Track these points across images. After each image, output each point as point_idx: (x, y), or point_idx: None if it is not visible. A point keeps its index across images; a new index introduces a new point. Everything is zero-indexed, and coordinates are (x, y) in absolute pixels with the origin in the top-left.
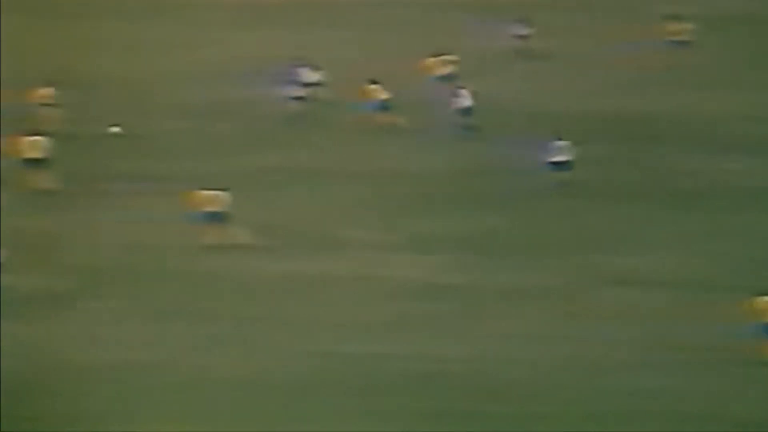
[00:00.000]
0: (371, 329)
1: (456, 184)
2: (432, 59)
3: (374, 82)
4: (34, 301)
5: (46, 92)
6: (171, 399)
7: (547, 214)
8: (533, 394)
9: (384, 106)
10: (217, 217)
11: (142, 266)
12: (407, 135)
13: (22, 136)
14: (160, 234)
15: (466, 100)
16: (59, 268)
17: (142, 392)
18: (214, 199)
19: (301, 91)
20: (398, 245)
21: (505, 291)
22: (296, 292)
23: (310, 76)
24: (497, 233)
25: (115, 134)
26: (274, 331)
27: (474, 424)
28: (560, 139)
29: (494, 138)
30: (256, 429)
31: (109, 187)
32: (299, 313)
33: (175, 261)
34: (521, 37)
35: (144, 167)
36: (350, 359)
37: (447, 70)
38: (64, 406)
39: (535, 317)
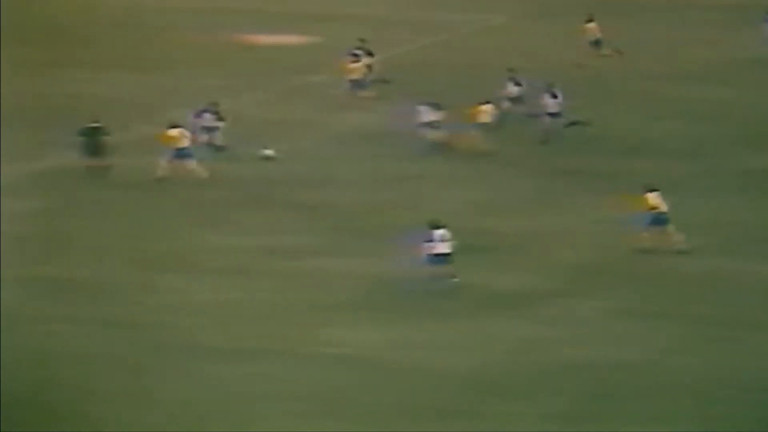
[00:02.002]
0: None
1: None
2: None
3: None
4: (521, 297)
5: None
6: (644, 399)
7: None
8: None
9: None
10: (661, 219)
11: (615, 266)
12: None
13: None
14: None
15: None
16: (546, 265)
17: (618, 392)
18: (658, 200)
19: None
20: None
21: None
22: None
23: None
24: None
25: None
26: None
27: None
28: None
29: None
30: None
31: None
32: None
33: (629, 262)
34: None
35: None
36: None
37: None
38: (534, 405)
39: None
